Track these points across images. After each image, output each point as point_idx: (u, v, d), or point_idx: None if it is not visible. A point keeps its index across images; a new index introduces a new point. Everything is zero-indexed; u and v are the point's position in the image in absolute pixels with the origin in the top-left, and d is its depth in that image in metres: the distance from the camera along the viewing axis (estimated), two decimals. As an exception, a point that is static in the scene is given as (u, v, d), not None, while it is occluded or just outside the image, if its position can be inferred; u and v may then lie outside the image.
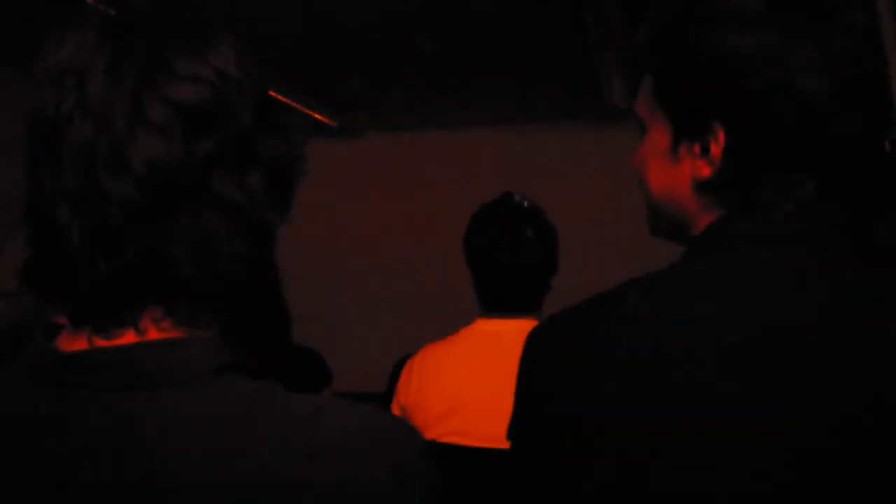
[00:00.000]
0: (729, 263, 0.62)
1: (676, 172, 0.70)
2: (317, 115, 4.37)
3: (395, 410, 1.72)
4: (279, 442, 0.53)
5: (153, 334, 0.58)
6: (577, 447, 0.60)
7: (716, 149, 0.67)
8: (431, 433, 1.61)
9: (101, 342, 0.58)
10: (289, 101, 3.90)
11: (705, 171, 0.68)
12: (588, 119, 4.59)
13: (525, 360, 0.67)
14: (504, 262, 1.68)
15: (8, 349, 1.46)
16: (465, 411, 1.60)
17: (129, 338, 0.58)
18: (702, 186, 0.68)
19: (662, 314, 0.60)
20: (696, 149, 0.68)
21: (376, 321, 4.53)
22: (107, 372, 0.56)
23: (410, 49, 3.42)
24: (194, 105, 0.57)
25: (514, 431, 0.68)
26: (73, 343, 0.59)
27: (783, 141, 0.63)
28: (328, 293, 4.07)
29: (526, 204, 1.77)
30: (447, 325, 1.84)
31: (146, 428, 0.54)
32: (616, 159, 4.58)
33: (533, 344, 0.68)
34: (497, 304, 1.71)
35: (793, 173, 0.63)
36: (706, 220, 0.67)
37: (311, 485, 0.51)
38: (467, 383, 1.62)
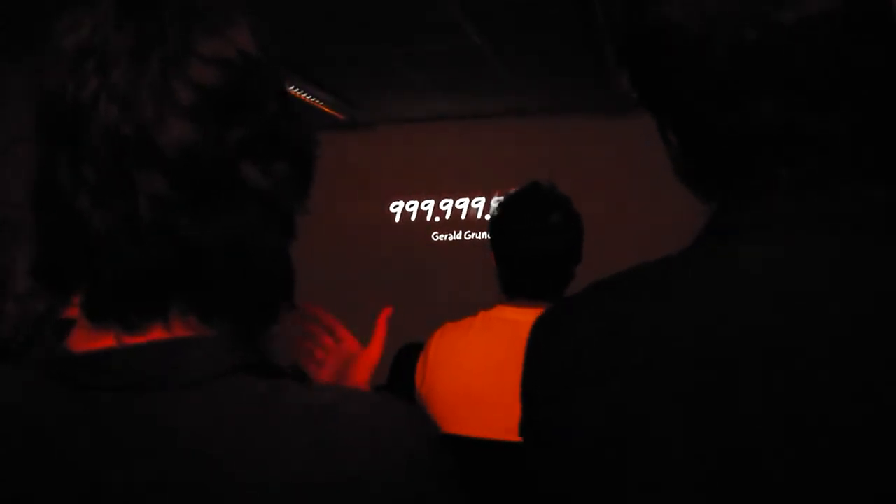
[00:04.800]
0: (739, 250, 0.59)
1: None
2: (325, 108, 4.37)
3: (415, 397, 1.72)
4: (296, 440, 0.52)
5: (179, 331, 0.56)
6: (577, 456, 0.58)
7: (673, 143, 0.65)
8: (444, 424, 1.61)
9: (129, 339, 0.55)
10: (297, 95, 3.90)
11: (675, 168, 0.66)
12: (599, 110, 4.58)
13: (526, 356, 0.65)
14: (530, 248, 1.69)
15: (19, 351, 1.46)
16: (477, 403, 1.60)
17: (157, 334, 0.56)
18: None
19: (665, 308, 0.58)
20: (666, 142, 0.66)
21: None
22: (124, 373, 0.54)
23: (418, 41, 3.41)
24: (223, 89, 0.55)
25: (521, 429, 0.67)
26: (94, 341, 0.56)
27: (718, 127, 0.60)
28: (336, 285, 4.07)
29: (552, 191, 1.77)
30: (458, 317, 1.83)
31: (170, 431, 0.53)
32: (627, 150, 4.58)
33: (533, 338, 0.65)
34: (520, 290, 1.72)
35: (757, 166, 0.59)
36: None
37: (327, 481, 0.51)
38: (481, 375, 1.63)
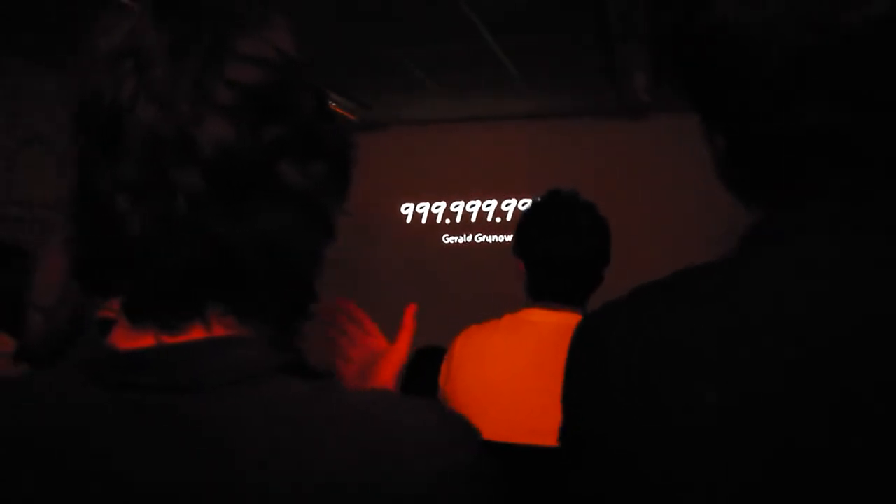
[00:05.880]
0: (786, 257, 0.57)
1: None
2: (337, 109, 4.38)
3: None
4: (339, 443, 0.52)
5: (219, 331, 0.56)
6: (620, 466, 0.57)
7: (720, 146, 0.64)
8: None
9: (168, 339, 0.55)
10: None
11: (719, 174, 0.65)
12: (611, 113, 4.57)
13: (568, 362, 0.64)
14: (558, 254, 1.71)
15: (45, 358, 1.46)
16: (504, 407, 1.60)
17: (196, 333, 0.56)
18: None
19: (707, 316, 0.57)
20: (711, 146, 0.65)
21: (395, 315, 4.54)
22: (171, 371, 0.54)
23: (430, 42, 3.41)
24: (261, 88, 0.55)
25: (561, 436, 0.66)
26: (134, 340, 0.56)
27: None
28: (346, 286, 4.08)
29: (577, 197, 1.80)
30: (469, 320, 1.83)
31: (211, 430, 0.52)
32: (639, 153, 4.56)
33: (576, 344, 0.64)
34: (547, 295, 1.73)
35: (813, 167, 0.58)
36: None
37: (369, 486, 0.50)
38: (507, 379, 1.63)
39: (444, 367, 1.75)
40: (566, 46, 3.46)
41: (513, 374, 1.62)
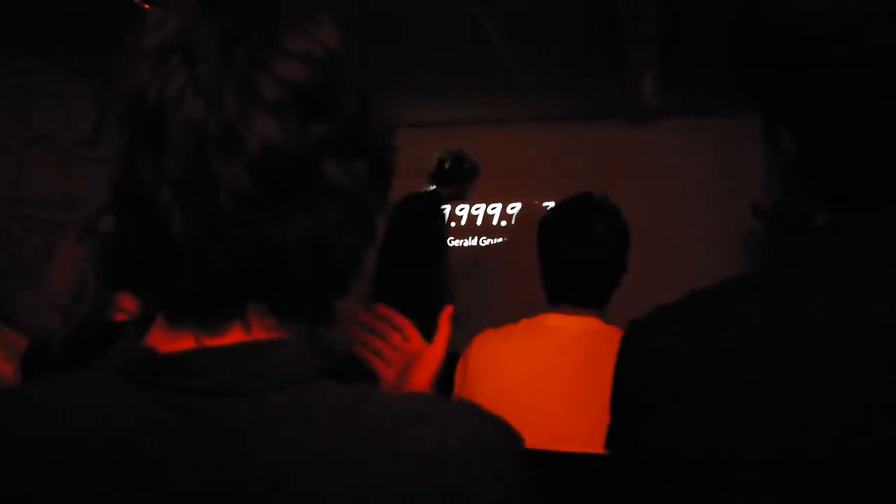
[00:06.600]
0: (852, 264, 0.56)
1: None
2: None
3: None
4: (387, 448, 0.51)
5: (258, 332, 0.56)
6: (681, 474, 0.56)
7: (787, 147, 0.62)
8: None
9: (208, 340, 0.55)
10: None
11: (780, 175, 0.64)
12: (619, 117, 4.56)
13: (621, 367, 0.63)
14: (575, 255, 1.71)
15: (63, 358, 1.45)
16: (522, 411, 1.60)
17: (235, 335, 0.55)
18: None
19: (774, 322, 0.55)
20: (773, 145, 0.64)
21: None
22: (216, 375, 0.53)
23: (441, 45, 3.40)
24: (307, 85, 0.54)
25: (611, 443, 0.65)
26: (173, 342, 0.56)
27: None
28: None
29: (602, 200, 1.80)
30: (474, 325, 1.82)
31: (257, 436, 0.52)
32: (647, 157, 4.55)
33: (630, 349, 0.63)
34: (564, 298, 1.74)
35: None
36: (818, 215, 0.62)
37: (418, 492, 0.50)
38: (526, 383, 1.63)
39: (458, 371, 1.74)
40: (575, 51, 3.45)
41: (531, 379, 1.62)
